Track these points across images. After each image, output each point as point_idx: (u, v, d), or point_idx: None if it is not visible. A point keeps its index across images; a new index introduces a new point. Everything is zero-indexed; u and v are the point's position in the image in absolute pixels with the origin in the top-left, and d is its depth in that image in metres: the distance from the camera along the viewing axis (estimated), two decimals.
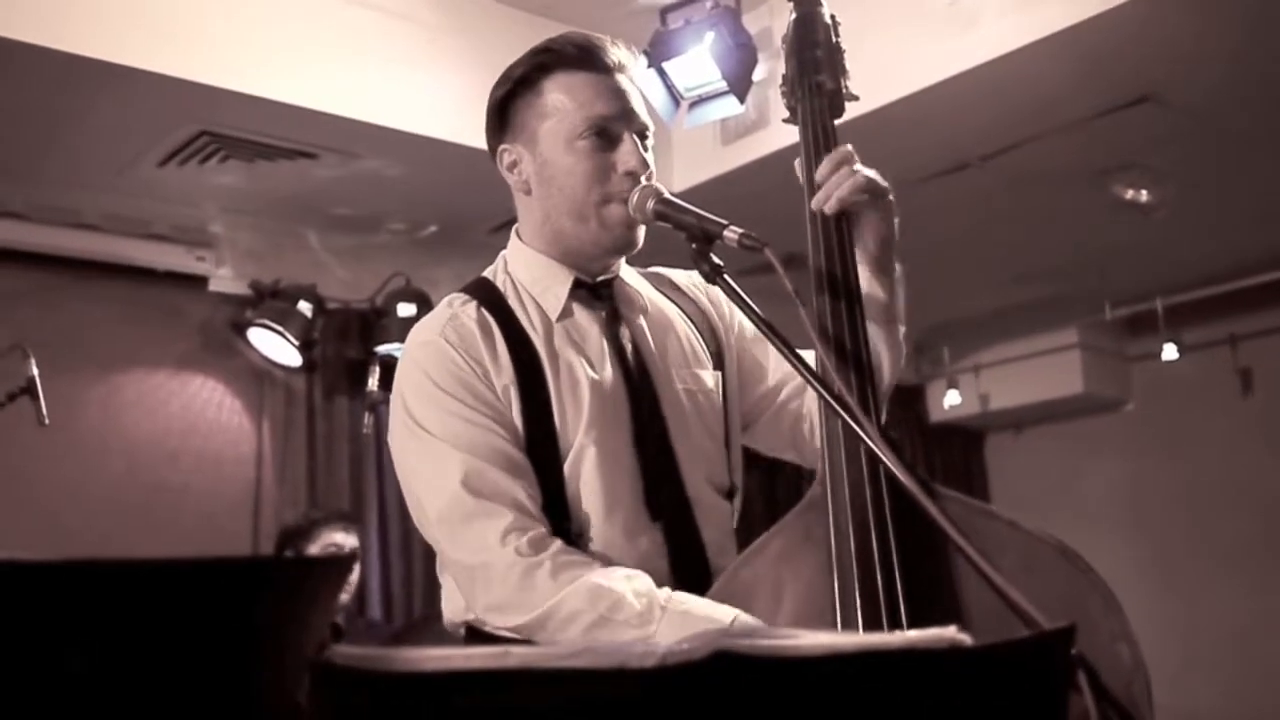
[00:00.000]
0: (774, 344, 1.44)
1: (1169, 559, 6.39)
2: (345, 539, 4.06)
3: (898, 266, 1.73)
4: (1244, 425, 6.33)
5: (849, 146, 1.67)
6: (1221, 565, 6.30)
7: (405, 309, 4.76)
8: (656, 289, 1.89)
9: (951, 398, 6.76)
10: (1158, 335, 6.14)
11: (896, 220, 1.69)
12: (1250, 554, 6.22)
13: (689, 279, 1.92)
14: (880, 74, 3.65)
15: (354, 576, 4.15)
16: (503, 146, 1.80)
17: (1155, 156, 4.52)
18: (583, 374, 1.70)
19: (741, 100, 3.86)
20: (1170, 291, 6.11)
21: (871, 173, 1.65)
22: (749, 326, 1.90)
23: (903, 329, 1.76)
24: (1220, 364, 6.39)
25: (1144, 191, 4.70)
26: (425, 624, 4.08)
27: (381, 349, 4.81)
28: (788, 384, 1.88)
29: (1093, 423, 6.95)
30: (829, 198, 1.62)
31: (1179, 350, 6.14)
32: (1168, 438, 6.64)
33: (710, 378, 1.82)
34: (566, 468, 1.66)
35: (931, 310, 6.08)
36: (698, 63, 3.82)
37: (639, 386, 1.73)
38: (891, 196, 1.67)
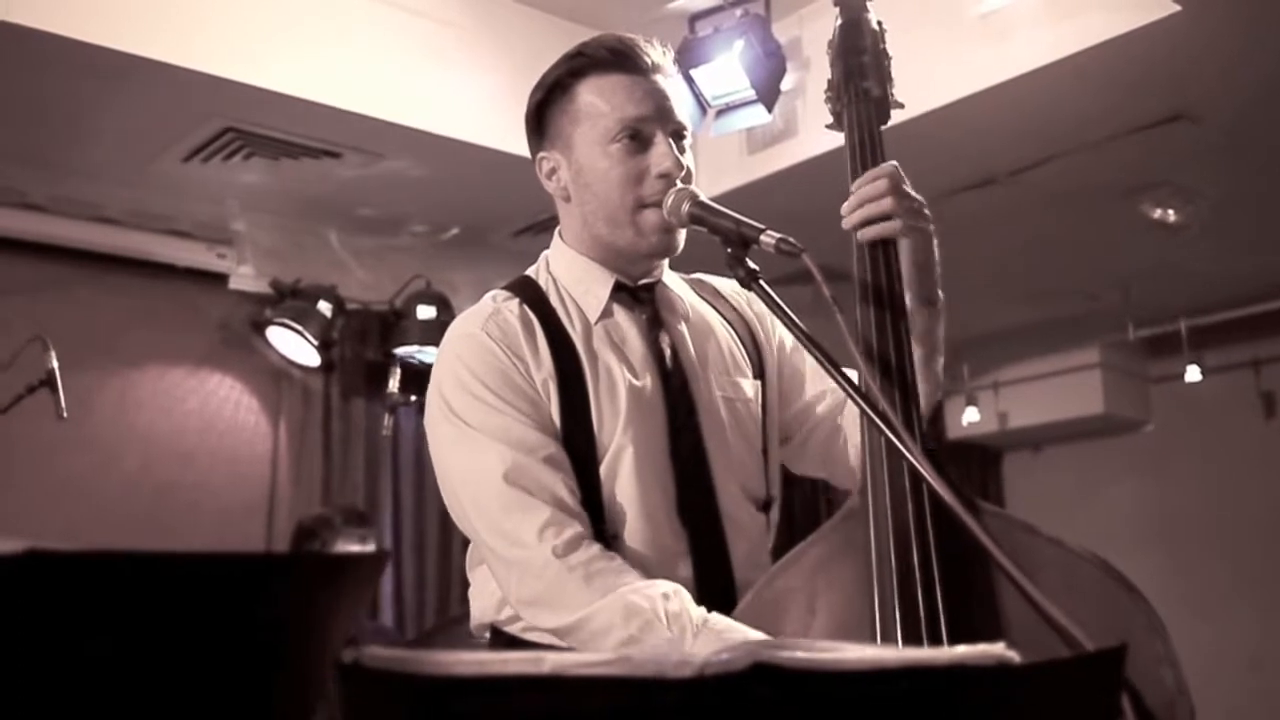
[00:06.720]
0: (811, 353, 1.41)
1: (1188, 581, 6.32)
2: (361, 550, 4.00)
3: (940, 295, 1.70)
4: (1266, 449, 6.29)
5: (894, 164, 1.63)
6: (1241, 588, 6.25)
7: (425, 311, 4.75)
8: (699, 295, 1.86)
9: (970, 415, 6.71)
10: (1180, 357, 6.11)
11: (936, 248, 1.66)
12: (1270, 577, 6.17)
13: (732, 287, 1.88)
14: (909, 86, 3.62)
15: None
16: (540, 154, 1.78)
17: (1185, 176, 4.49)
18: (620, 377, 1.67)
19: (769, 109, 3.85)
20: (1194, 313, 6.08)
21: (913, 195, 1.61)
22: (789, 338, 1.87)
23: (941, 360, 1.72)
24: (1243, 387, 6.36)
25: (1172, 211, 4.67)
26: (442, 631, 4.05)
27: (400, 351, 4.80)
28: (824, 399, 1.85)
29: (1112, 443, 6.91)
30: (854, 211, 1.60)
31: (1201, 372, 6.11)
32: (1188, 460, 6.59)
33: (750, 386, 1.79)
34: (603, 469, 1.63)
35: (951, 325, 6.01)
36: (726, 71, 3.81)
37: (676, 393, 1.70)
38: (931, 227, 1.64)
